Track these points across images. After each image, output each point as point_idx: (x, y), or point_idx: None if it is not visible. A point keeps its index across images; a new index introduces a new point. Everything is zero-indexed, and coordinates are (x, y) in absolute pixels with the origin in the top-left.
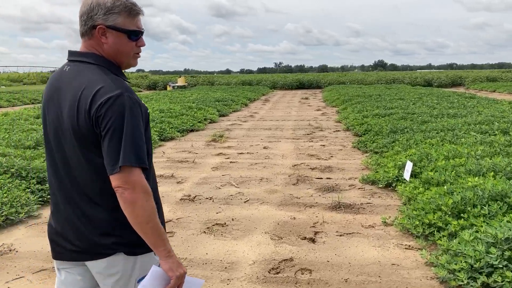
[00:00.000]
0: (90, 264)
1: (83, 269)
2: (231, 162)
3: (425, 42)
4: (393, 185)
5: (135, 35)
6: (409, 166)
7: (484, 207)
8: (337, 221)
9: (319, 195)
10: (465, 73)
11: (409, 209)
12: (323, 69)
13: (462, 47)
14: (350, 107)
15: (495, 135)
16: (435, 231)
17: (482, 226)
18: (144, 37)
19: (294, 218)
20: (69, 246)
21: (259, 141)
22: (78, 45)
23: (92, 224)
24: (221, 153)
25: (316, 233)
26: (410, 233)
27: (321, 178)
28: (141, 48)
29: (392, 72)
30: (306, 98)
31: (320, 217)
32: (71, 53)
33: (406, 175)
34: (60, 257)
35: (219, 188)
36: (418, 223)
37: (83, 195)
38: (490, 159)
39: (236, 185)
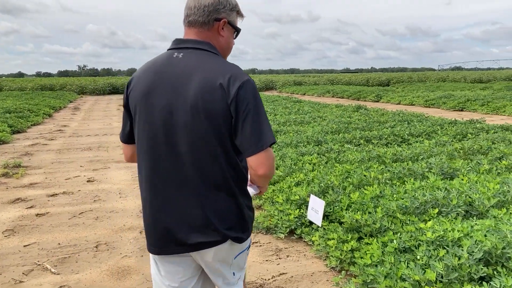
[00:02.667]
0: (199, 253)
1: (187, 259)
2: (37, 215)
3: None
4: (297, 231)
5: (238, 34)
6: (317, 204)
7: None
8: None
9: None
10: (276, 78)
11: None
12: (132, 72)
13: (259, 54)
14: None
15: (360, 144)
16: None
17: None
18: None
19: None
20: (180, 239)
21: (79, 169)
22: None
23: (210, 213)
24: (18, 199)
25: None
26: None
27: None
28: None
29: None
30: None
31: None
32: (182, 41)
33: (315, 217)
34: (166, 252)
35: (19, 281)
36: None
37: (201, 183)
38: (404, 183)
39: (52, 269)
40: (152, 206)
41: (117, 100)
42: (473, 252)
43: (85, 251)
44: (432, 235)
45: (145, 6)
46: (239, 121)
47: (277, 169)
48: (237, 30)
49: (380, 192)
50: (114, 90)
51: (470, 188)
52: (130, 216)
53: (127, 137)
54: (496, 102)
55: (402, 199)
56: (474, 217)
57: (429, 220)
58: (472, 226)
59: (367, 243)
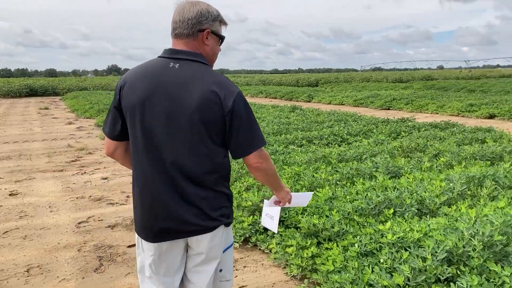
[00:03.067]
0: (195, 238)
1: (181, 243)
2: None
3: (153, 48)
4: (252, 239)
5: (223, 41)
6: (272, 210)
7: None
8: None
9: None
10: None
11: None
12: (52, 73)
13: None
14: None
15: (302, 145)
16: None
17: None
18: None
19: None
20: (181, 227)
21: None
22: None
23: (205, 205)
24: None
25: None
26: None
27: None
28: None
29: None
30: (46, 108)
31: None
32: (175, 52)
33: (270, 224)
34: (170, 238)
35: None
36: None
37: (196, 180)
38: (353, 184)
39: None
40: (151, 200)
41: (36, 103)
42: (436, 252)
43: (15, 277)
44: (393, 237)
45: (64, 3)
46: (233, 129)
47: None
48: (221, 38)
49: (333, 194)
50: (32, 92)
51: (418, 186)
52: (65, 233)
53: (117, 135)
54: (419, 100)
55: (356, 200)
56: (427, 216)
57: (386, 221)
58: (428, 225)
59: (327, 248)
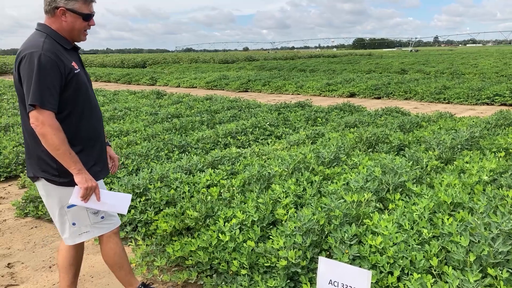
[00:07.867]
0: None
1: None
2: None
3: None
4: None
5: (88, 17)
6: (344, 274)
7: None
8: None
9: None
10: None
11: None
12: None
13: None
14: None
15: (228, 144)
16: None
17: None
18: None
19: None
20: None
21: None
22: None
23: None
24: None
25: None
26: None
27: None
28: (91, 26)
29: None
30: None
31: None
32: (37, 24)
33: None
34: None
35: None
36: None
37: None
38: (385, 207)
39: None
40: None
41: None
42: None
43: None
44: None
45: None
46: (21, 83)
47: (171, 203)
48: (80, 15)
49: (398, 229)
50: None
51: (490, 203)
52: None
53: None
54: (275, 81)
55: (447, 235)
56: None
57: None
58: None
59: None
